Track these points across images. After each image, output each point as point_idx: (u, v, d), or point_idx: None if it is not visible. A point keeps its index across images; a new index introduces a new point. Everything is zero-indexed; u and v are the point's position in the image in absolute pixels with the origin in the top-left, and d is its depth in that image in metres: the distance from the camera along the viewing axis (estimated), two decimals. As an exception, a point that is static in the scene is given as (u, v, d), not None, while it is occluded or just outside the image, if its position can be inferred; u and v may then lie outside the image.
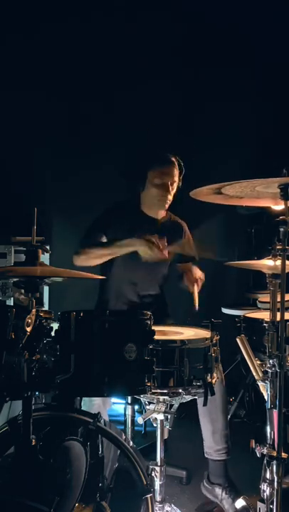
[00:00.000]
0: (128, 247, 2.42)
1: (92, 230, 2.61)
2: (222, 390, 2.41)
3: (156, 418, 1.97)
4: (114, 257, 2.51)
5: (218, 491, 2.42)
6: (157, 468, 2.00)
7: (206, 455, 2.46)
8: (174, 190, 2.59)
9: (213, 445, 2.43)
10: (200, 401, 2.40)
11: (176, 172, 2.57)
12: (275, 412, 1.75)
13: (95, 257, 2.47)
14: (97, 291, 2.76)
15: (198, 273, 2.58)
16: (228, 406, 3.32)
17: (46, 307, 3.28)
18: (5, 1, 3.58)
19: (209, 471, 2.47)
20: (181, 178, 2.61)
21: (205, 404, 1.89)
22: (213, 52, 3.99)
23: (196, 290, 2.52)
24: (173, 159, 2.57)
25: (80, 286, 3.28)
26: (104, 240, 2.58)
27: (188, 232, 2.80)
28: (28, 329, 1.52)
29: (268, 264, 1.85)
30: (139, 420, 1.96)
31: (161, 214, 2.69)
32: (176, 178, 2.57)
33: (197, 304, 2.49)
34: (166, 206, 2.62)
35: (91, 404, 2.30)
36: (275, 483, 1.68)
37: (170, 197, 2.58)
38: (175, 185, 2.58)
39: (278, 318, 1.74)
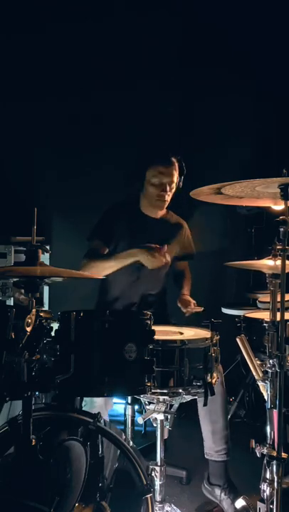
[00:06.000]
0: (130, 257, 2.41)
1: (94, 239, 2.59)
2: (222, 391, 2.41)
3: (156, 418, 1.97)
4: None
5: (217, 491, 2.42)
6: (157, 468, 2.00)
7: (206, 456, 2.46)
8: (173, 190, 2.58)
9: (213, 446, 2.43)
10: (200, 401, 2.40)
11: (175, 173, 2.55)
12: (275, 412, 1.75)
13: (101, 270, 2.44)
14: (97, 291, 2.76)
15: (191, 301, 2.57)
16: (228, 406, 3.33)
17: (46, 307, 3.28)
18: (5, 2, 3.58)
19: (209, 472, 2.48)
20: (182, 179, 2.59)
21: (205, 404, 1.89)
22: (213, 53, 3.99)
23: (188, 312, 2.51)
24: (173, 159, 2.55)
25: (80, 286, 3.28)
26: (106, 249, 2.57)
27: (188, 231, 2.80)
28: (28, 329, 1.52)
29: (268, 264, 1.85)
30: (139, 420, 1.96)
31: (160, 213, 2.69)
32: (175, 179, 2.56)
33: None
34: (164, 206, 2.62)
35: (92, 405, 2.31)
36: (275, 483, 1.68)
37: (168, 197, 2.57)
38: (174, 186, 2.57)
39: (278, 318, 1.74)
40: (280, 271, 1.66)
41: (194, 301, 2.57)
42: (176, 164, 2.56)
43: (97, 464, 1.64)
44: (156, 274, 2.65)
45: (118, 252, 2.52)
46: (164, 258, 2.41)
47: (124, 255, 2.44)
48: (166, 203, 2.60)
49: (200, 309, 2.49)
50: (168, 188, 2.54)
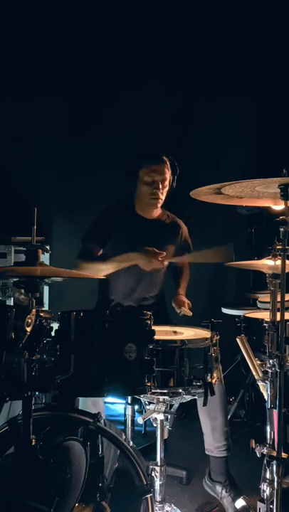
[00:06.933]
0: (127, 261, 2.42)
1: (89, 239, 2.59)
2: (221, 388, 2.41)
3: (156, 418, 1.97)
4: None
5: (218, 488, 2.42)
6: (157, 468, 2.00)
7: (206, 452, 2.47)
8: (166, 188, 2.57)
9: (213, 442, 2.43)
10: (200, 399, 2.41)
11: (167, 171, 2.55)
12: (275, 412, 1.75)
13: (96, 272, 2.42)
14: (97, 292, 2.76)
15: (185, 301, 2.57)
16: (228, 405, 3.33)
17: (46, 307, 3.28)
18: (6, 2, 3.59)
19: (210, 468, 2.48)
20: (175, 178, 2.59)
21: (205, 404, 1.89)
22: (214, 53, 3.99)
23: (183, 311, 2.50)
24: (164, 158, 2.55)
25: (80, 286, 3.28)
26: (101, 250, 2.58)
27: (186, 231, 2.80)
28: (28, 329, 1.52)
29: (268, 264, 1.85)
30: (139, 420, 1.96)
31: (156, 214, 2.68)
32: (168, 177, 2.55)
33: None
34: (158, 205, 2.60)
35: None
36: (275, 483, 1.68)
37: (161, 195, 2.56)
38: (167, 184, 2.56)
39: (278, 318, 1.74)
40: (280, 271, 1.66)
41: (189, 302, 2.56)
42: (168, 163, 2.56)
43: (97, 464, 1.64)
44: (155, 275, 2.65)
45: (113, 254, 2.51)
46: (161, 261, 2.41)
47: (121, 259, 2.44)
48: (160, 202, 2.59)
49: (189, 314, 2.49)
50: (160, 186, 2.53)
